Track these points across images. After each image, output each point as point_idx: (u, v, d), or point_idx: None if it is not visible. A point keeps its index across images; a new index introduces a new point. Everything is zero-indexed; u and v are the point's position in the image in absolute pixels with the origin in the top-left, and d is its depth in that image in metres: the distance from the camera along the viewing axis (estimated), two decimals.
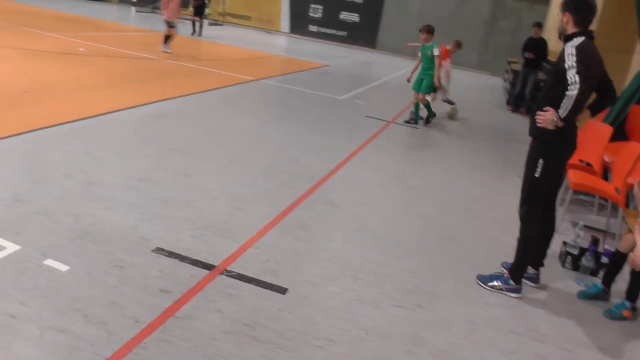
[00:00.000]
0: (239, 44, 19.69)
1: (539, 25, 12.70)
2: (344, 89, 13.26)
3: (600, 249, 4.88)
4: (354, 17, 27.04)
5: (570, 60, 3.66)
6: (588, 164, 6.54)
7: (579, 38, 3.77)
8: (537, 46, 12.45)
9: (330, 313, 3.67)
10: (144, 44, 15.82)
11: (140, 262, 3.89)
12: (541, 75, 12.75)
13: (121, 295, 3.47)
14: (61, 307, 3.24)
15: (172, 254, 4.06)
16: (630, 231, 4.44)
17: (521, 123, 11.63)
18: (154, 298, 3.49)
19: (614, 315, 4.13)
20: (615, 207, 5.87)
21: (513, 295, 4.25)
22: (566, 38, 3.85)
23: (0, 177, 4.96)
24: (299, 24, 28.07)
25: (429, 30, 9.61)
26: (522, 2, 23.53)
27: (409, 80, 10.32)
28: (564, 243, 5.00)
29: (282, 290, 3.83)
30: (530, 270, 4.45)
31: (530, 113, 4.04)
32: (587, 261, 4.76)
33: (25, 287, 3.38)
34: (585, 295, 4.39)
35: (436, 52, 9.57)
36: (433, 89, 10.06)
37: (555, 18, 14.61)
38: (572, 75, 3.61)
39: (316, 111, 10.20)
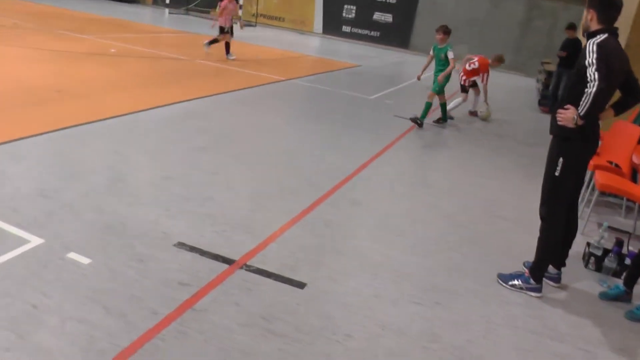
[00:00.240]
0: (271, 44, 19.82)
1: (573, 27, 12.57)
2: (374, 89, 13.23)
3: (624, 250, 4.79)
4: (388, 18, 26.95)
5: (591, 57, 3.61)
6: (617, 166, 6.42)
7: (601, 35, 3.72)
8: (571, 46, 12.30)
9: (348, 309, 3.68)
10: (176, 45, 16.05)
11: (161, 256, 3.95)
12: None
13: (141, 287, 3.53)
14: (82, 299, 3.32)
15: (193, 249, 4.12)
16: None
17: None
18: (172, 291, 3.54)
19: (634, 316, 4.05)
20: None
21: (533, 294, 4.20)
22: (589, 35, 3.80)
23: (28, 173, 5.10)
24: (332, 25, 28.09)
25: (446, 31, 9.45)
26: (557, 2, 23.16)
27: (419, 78, 10.20)
28: (588, 244, 4.92)
29: (301, 285, 3.85)
30: (552, 270, 4.39)
31: (552, 111, 3.99)
32: (610, 262, 4.69)
33: (48, 278, 3.46)
34: (606, 297, 4.31)
35: (450, 55, 9.43)
36: (441, 89, 9.80)
37: None
38: (592, 73, 3.56)
39: (344, 111, 10.22)
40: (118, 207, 4.63)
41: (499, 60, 11.12)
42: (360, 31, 27.62)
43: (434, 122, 10.09)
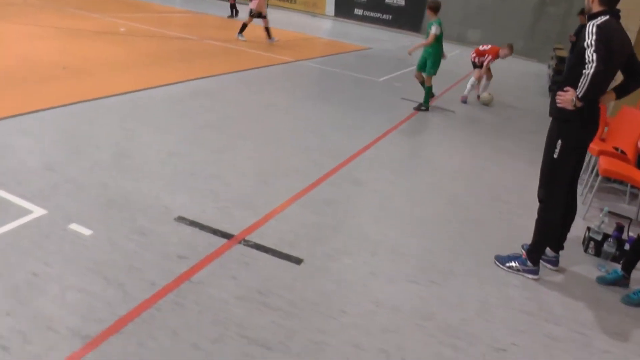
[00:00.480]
0: (282, 26, 19.73)
1: (584, 13, 12.42)
2: (383, 72, 13.21)
3: (624, 236, 4.79)
4: (400, 1, 26.71)
5: (590, 39, 3.59)
6: (622, 152, 6.40)
7: (602, 17, 3.70)
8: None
9: (343, 285, 3.72)
10: (186, 25, 16.05)
11: (161, 229, 4.01)
12: None
13: (140, 259, 3.59)
14: (82, 269, 3.38)
15: (193, 223, 4.17)
16: None
17: None
18: (171, 263, 3.60)
19: (631, 301, 4.07)
20: None
21: (530, 276, 4.22)
22: (590, 17, 3.78)
23: (34, 147, 5.17)
24: (344, 8, 27.89)
25: (431, 7, 9.15)
26: None
27: (410, 53, 9.83)
28: (588, 229, 4.93)
29: (298, 261, 3.90)
30: (550, 253, 4.41)
31: (551, 93, 3.98)
32: (609, 247, 4.70)
33: (50, 249, 3.53)
34: (604, 281, 4.33)
35: (432, 30, 9.05)
36: (433, 70, 9.45)
37: None
38: (590, 54, 3.56)
39: (352, 92, 10.22)
40: (122, 182, 4.69)
41: (510, 49, 10.99)
42: (372, 14, 27.43)
43: (415, 108, 9.67)
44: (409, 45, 19.08)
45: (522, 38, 23.50)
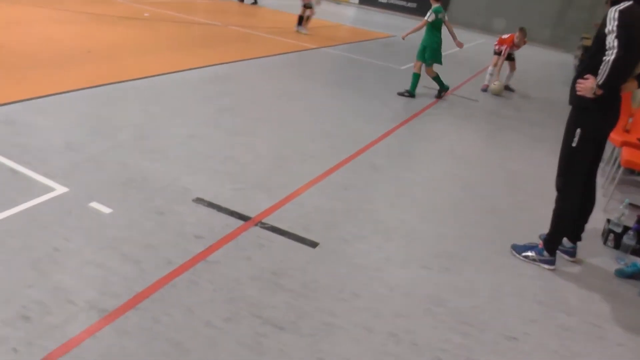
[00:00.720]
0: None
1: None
2: (406, 60, 13.09)
3: None
4: None
5: (611, 25, 3.53)
6: None
7: (626, 2, 3.62)
8: None
9: (357, 269, 3.75)
10: (210, 11, 16.10)
11: (179, 210, 4.07)
12: None
13: (157, 238, 3.65)
14: (101, 245, 3.46)
15: (210, 204, 4.23)
16: None
17: None
18: (187, 243, 3.66)
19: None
20: None
21: (546, 266, 4.20)
22: (613, 2, 3.71)
23: (57, 127, 5.26)
24: None
25: None
26: None
27: (403, 38, 9.38)
28: (608, 221, 4.89)
29: (313, 245, 3.93)
30: (567, 243, 4.37)
31: (572, 81, 3.93)
32: (629, 239, 4.65)
33: (70, 225, 3.61)
34: (622, 274, 4.29)
35: (426, 15, 8.89)
36: (431, 60, 9.16)
37: None
38: (611, 40, 3.49)
39: (374, 79, 10.20)
40: (141, 162, 4.76)
41: (521, 32, 10.77)
42: (396, 2, 27.25)
43: (399, 93, 9.37)
44: None
45: (549, 27, 23.20)
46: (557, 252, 4.28)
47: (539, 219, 4.93)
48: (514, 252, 4.35)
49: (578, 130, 3.86)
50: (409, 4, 26.95)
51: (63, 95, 6.17)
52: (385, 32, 17.87)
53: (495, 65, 10.69)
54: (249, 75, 8.87)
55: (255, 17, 14.08)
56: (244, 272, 3.45)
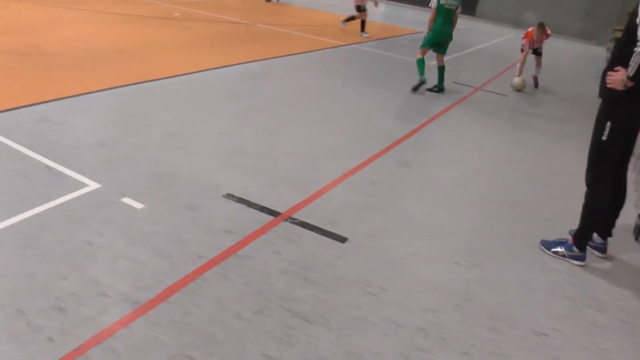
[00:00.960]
0: (334, 10, 19.73)
1: None
2: (435, 56, 13.04)
3: None
4: None
5: None
6: None
7: None
8: None
9: (385, 264, 3.76)
10: (241, 9, 16.22)
11: (209, 205, 4.13)
12: None
13: (188, 233, 3.71)
14: (132, 240, 3.53)
15: (240, 200, 4.28)
16: None
17: None
18: (218, 238, 3.71)
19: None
20: None
21: (576, 262, 4.15)
22: None
23: (89, 125, 5.37)
24: None
25: None
26: None
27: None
28: (639, 216, 4.81)
29: (342, 240, 3.95)
30: (597, 239, 4.31)
31: (601, 73, 3.87)
32: None
33: (102, 219, 3.69)
34: None
35: (430, 3, 8.81)
36: (424, 42, 9.03)
37: None
38: None
39: (403, 76, 10.15)
40: (172, 159, 4.83)
41: (539, 27, 10.52)
42: None
43: (428, 89, 9.26)
44: (461, 28, 18.77)
45: (581, 19, 22.80)
46: (587, 248, 4.22)
47: (569, 214, 4.86)
48: (543, 247, 4.30)
49: (608, 124, 3.80)
50: None
51: (95, 94, 6.30)
52: (415, 28, 17.79)
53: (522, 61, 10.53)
54: (279, 72, 8.92)
55: (284, 15, 14.16)
56: (273, 267, 3.48)
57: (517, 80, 10.43)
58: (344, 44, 12.50)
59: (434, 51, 9.03)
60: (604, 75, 3.75)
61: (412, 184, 5.27)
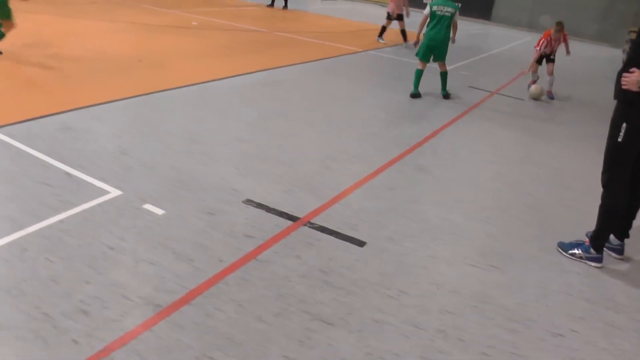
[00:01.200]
0: (349, 16, 19.82)
1: None
2: (451, 60, 12.90)
3: None
4: None
5: None
6: None
7: None
8: None
9: (404, 267, 3.79)
10: (257, 18, 16.34)
11: (229, 210, 4.19)
12: None
13: (209, 237, 3.77)
14: (154, 244, 3.59)
15: (260, 205, 4.33)
16: None
17: None
18: (238, 242, 3.76)
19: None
20: None
21: (593, 264, 4.14)
22: None
23: (111, 132, 5.47)
24: None
25: None
26: None
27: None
28: None
29: (361, 244, 3.98)
30: (614, 241, 4.30)
31: (616, 75, 3.86)
32: None
33: (124, 225, 3.76)
34: None
35: (425, 9, 8.79)
36: (418, 52, 8.97)
37: None
38: None
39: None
40: (192, 165, 4.90)
41: (557, 25, 10.29)
42: None
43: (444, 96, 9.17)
44: (477, 33, 18.73)
45: (597, 21, 22.64)
46: (604, 249, 4.21)
47: (586, 216, 4.86)
48: (560, 249, 4.30)
49: (624, 125, 3.80)
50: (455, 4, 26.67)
51: (116, 102, 6.40)
52: None
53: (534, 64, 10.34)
54: (296, 79, 8.99)
55: (300, 22, 14.25)
56: (293, 270, 3.52)
57: (534, 88, 10.20)
58: (360, 50, 12.55)
59: (433, 61, 9.00)
60: (619, 76, 3.75)
61: (429, 187, 5.30)
